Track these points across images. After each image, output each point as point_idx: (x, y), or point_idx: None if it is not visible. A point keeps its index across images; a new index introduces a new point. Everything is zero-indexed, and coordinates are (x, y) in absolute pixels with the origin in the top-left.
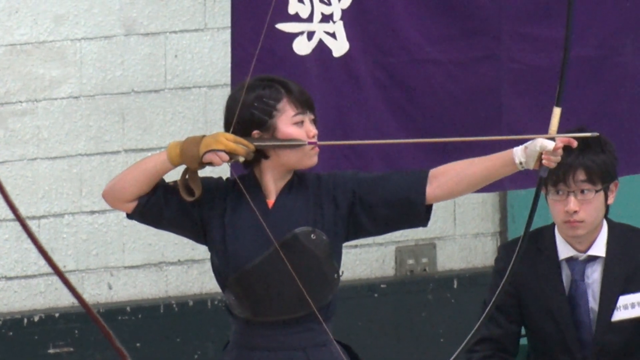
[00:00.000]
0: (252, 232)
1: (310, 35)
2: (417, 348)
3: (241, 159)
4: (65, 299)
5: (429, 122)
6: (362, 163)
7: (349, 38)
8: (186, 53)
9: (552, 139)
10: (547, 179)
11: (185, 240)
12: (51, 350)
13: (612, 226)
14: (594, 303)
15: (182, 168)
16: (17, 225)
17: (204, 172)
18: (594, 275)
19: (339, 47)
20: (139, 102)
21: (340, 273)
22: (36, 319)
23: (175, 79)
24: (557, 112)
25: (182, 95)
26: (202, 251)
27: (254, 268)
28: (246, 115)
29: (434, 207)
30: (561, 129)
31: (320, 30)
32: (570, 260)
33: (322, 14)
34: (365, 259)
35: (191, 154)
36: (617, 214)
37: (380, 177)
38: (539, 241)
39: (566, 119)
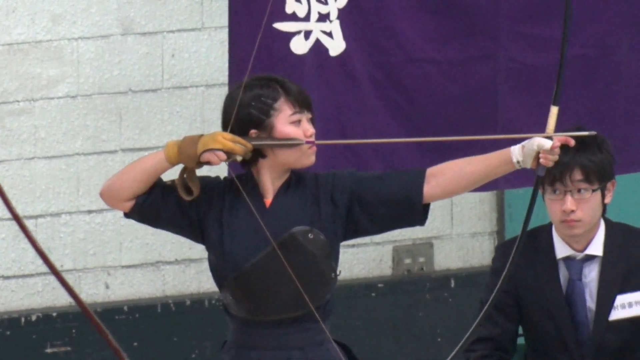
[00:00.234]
0: (249, 231)
1: (307, 34)
2: (414, 347)
3: (239, 158)
4: (63, 299)
5: (426, 121)
6: (359, 162)
7: (345, 37)
8: (183, 52)
9: (550, 137)
10: (543, 178)
11: (182, 239)
12: (49, 350)
13: (609, 225)
14: (591, 302)
15: (179, 167)
16: (14, 225)
17: (202, 172)
18: (592, 275)
19: (336, 46)
20: (136, 102)
21: (338, 272)
22: (33, 318)
23: (172, 79)
24: (554, 111)
25: (180, 94)
26: (199, 250)
27: (252, 267)
28: (244, 114)
29: (431, 206)
30: (558, 128)
31: (317, 29)
32: (567, 259)
33: (319, 13)
34: (362, 258)
35: (189, 153)
36: (614, 213)
37: (378, 176)
38: (537, 240)
39: (563, 118)
